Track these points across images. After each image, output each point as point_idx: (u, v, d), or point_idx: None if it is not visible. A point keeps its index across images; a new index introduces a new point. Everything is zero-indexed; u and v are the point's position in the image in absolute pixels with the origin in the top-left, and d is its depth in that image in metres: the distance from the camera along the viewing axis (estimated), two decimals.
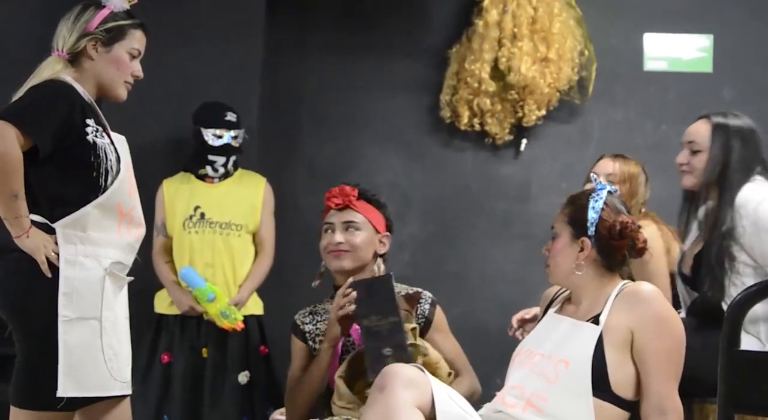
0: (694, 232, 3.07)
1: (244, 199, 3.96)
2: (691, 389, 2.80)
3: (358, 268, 2.95)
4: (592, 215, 2.45)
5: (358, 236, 2.95)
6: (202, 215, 3.92)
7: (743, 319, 1.79)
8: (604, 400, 2.34)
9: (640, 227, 2.51)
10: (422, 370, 2.36)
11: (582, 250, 2.45)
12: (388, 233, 3.03)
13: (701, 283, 2.93)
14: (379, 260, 3.03)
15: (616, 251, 2.45)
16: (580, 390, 2.32)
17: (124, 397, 2.64)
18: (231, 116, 3.94)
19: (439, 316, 2.96)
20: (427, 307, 2.93)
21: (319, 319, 3.01)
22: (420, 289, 2.98)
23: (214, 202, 3.93)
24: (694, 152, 3.04)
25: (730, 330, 1.78)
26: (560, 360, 2.38)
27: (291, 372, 3.00)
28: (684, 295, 3.07)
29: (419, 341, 2.75)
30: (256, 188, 4.01)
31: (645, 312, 2.36)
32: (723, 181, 2.95)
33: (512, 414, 2.39)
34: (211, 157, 3.94)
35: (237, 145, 3.98)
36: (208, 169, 3.95)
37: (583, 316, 2.45)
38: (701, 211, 3.03)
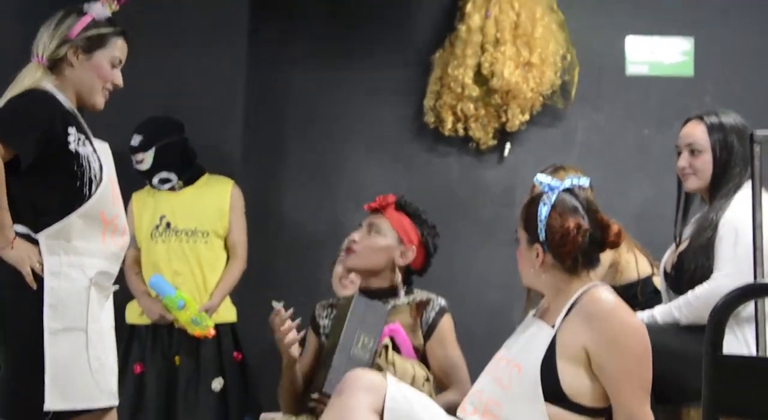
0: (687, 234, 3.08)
1: (209, 205, 3.94)
2: (675, 395, 2.82)
3: (363, 270, 2.95)
4: (539, 221, 2.42)
5: (375, 239, 2.94)
6: (168, 224, 3.91)
7: (726, 324, 1.80)
8: (561, 408, 2.31)
9: (603, 220, 2.44)
10: (384, 376, 2.38)
11: (537, 256, 2.44)
12: (414, 247, 2.99)
13: (682, 283, 2.95)
14: (397, 270, 3.00)
15: (565, 257, 2.40)
16: (531, 396, 2.30)
17: (110, 408, 2.64)
18: (135, 140, 3.88)
19: (444, 325, 2.92)
20: (432, 315, 2.92)
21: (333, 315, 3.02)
22: (433, 297, 2.97)
23: (178, 210, 3.92)
24: (694, 154, 3.04)
25: (713, 334, 1.78)
26: (515, 365, 2.37)
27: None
28: (665, 294, 3.09)
29: (384, 362, 2.75)
30: (222, 192, 3.99)
31: (599, 332, 2.30)
32: (721, 182, 2.97)
33: None
34: (147, 180, 3.95)
35: (168, 158, 3.89)
36: (156, 185, 3.94)
37: (551, 319, 2.43)
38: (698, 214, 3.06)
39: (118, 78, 2.72)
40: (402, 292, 3.01)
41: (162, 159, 3.89)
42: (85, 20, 2.66)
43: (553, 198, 2.44)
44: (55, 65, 2.65)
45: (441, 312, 2.94)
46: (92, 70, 2.67)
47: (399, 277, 3.03)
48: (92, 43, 2.66)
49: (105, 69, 2.68)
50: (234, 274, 3.96)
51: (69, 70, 2.65)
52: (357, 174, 4.63)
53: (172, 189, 3.95)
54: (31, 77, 2.62)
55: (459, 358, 2.94)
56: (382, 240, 2.95)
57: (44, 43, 2.65)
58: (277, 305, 2.82)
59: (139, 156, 3.89)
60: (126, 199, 3.86)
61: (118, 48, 2.71)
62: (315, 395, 2.77)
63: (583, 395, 2.32)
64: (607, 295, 2.37)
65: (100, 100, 2.71)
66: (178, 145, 3.94)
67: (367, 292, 2.94)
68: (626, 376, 2.29)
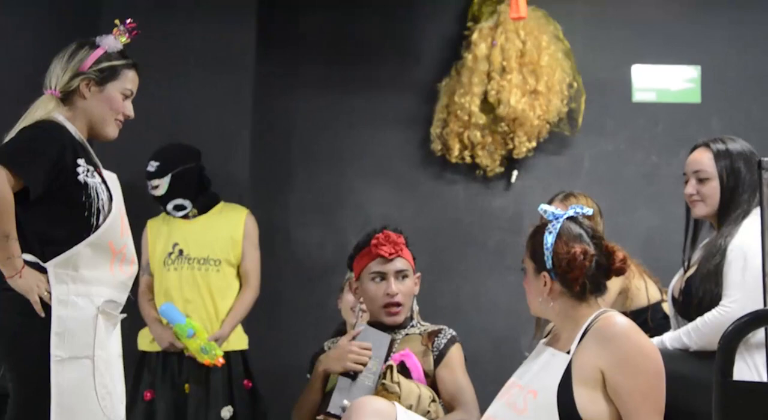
0: (695, 259, 3.07)
1: (223, 233, 3.96)
2: None
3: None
4: (546, 249, 2.44)
5: (407, 284, 3.00)
6: (181, 252, 3.92)
7: (736, 350, 1.79)
8: None
9: (608, 247, 2.46)
10: (392, 404, 2.39)
11: (545, 284, 2.45)
12: (418, 273, 3.08)
13: (690, 308, 2.94)
14: (414, 301, 3.09)
15: (573, 283, 2.42)
16: None
17: None
18: (151, 166, 3.92)
19: (453, 353, 2.97)
20: (443, 342, 2.97)
21: None
22: (444, 327, 3.03)
23: (191, 238, 3.93)
24: (702, 181, 3.04)
25: (723, 360, 1.77)
26: (530, 390, 2.38)
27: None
28: (673, 319, 3.08)
29: (389, 381, 2.77)
30: (236, 221, 4.00)
31: (614, 352, 2.31)
32: (729, 208, 2.97)
33: None
34: (162, 206, 3.98)
35: (183, 185, 3.92)
36: (171, 211, 3.96)
37: (563, 346, 2.43)
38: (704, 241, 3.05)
39: (129, 109, 2.75)
40: (417, 321, 3.05)
41: (177, 186, 3.91)
42: (98, 53, 2.69)
43: (558, 226, 2.46)
44: (67, 97, 2.68)
45: (452, 340, 2.99)
46: (104, 102, 2.69)
47: (416, 307, 3.12)
48: (104, 76, 2.69)
49: (117, 101, 2.71)
50: (246, 302, 3.96)
51: (81, 101, 2.68)
52: (364, 201, 4.64)
53: (185, 216, 3.97)
54: (44, 108, 2.64)
55: (467, 383, 2.97)
56: (410, 282, 3.02)
57: (57, 75, 2.68)
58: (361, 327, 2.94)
59: (155, 182, 3.91)
60: (141, 225, 3.91)
61: (129, 80, 2.74)
62: (320, 417, 2.79)
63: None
64: (621, 319, 2.40)
65: (112, 131, 2.74)
66: (194, 173, 3.97)
67: (381, 326, 2.97)
68: (640, 397, 2.30)
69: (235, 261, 3.97)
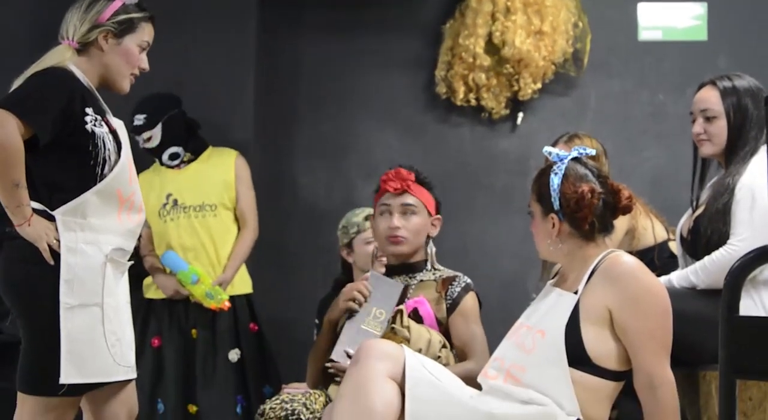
0: (703, 199, 3.06)
1: (215, 178, 3.97)
2: (692, 359, 2.82)
3: (413, 252, 3.00)
4: (552, 191, 2.45)
5: (414, 221, 2.99)
6: (175, 202, 3.94)
7: (742, 286, 1.80)
8: (586, 373, 2.33)
9: (613, 185, 2.47)
10: (401, 346, 2.42)
11: (553, 226, 2.46)
12: (439, 215, 3.06)
13: (698, 248, 2.94)
14: (431, 243, 3.07)
15: (582, 222, 2.43)
16: (555, 360, 2.33)
17: (129, 381, 2.67)
18: (138, 119, 3.90)
19: (467, 301, 2.96)
20: (457, 290, 2.97)
21: None
22: (459, 274, 3.02)
23: (184, 187, 3.94)
24: (709, 120, 3.02)
25: (730, 296, 1.78)
26: (538, 330, 2.40)
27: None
28: (681, 259, 3.09)
29: (399, 326, 2.79)
30: (226, 164, 4.01)
31: (621, 291, 2.34)
32: (736, 146, 2.95)
33: (492, 385, 2.42)
34: (156, 158, 3.98)
35: (174, 132, 3.92)
36: (166, 162, 3.96)
37: (571, 287, 2.45)
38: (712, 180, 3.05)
39: (144, 62, 2.74)
40: (431, 264, 3.04)
41: (168, 134, 3.92)
42: (116, 5, 2.67)
43: (563, 167, 2.47)
44: (84, 48, 2.66)
45: (466, 288, 2.98)
46: (121, 56, 2.68)
47: (432, 248, 3.09)
48: (123, 28, 2.67)
49: (134, 54, 2.69)
50: (245, 243, 3.98)
51: (98, 54, 2.67)
52: (369, 145, 4.63)
53: (178, 166, 3.97)
54: (60, 57, 2.62)
55: (480, 332, 2.98)
56: (419, 219, 3.00)
57: (74, 25, 2.65)
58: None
59: (146, 134, 3.90)
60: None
61: (146, 32, 2.73)
62: (327, 364, 2.83)
63: (606, 358, 2.35)
64: (628, 258, 2.42)
65: (126, 85, 2.73)
66: (180, 118, 3.97)
67: (400, 267, 2.98)
68: (647, 335, 2.32)
69: (231, 204, 3.98)
